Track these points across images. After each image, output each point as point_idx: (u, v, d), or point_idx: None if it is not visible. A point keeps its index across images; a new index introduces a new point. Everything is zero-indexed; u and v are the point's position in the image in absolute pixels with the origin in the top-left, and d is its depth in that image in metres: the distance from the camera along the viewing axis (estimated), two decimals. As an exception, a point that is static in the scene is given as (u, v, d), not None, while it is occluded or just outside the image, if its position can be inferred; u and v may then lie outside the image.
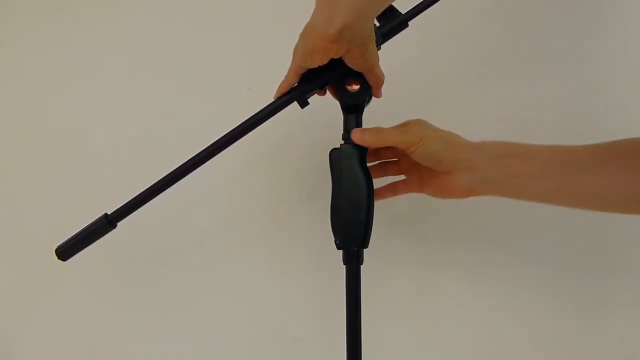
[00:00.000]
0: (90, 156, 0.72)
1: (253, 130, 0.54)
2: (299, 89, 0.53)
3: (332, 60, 0.49)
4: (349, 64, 0.50)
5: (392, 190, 0.57)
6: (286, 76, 0.53)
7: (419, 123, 0.52)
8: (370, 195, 0.52)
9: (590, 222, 0.64)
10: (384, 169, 0.57)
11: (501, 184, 0.50)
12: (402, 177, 0.57)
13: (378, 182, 0.55)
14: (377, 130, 0.52)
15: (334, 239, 0.52)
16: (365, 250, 0.52)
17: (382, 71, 0.52)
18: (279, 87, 0.53)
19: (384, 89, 0.54)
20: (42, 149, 0.73)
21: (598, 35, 0.67)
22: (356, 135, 0.52)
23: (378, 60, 0.51)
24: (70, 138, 0.73)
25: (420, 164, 0.51)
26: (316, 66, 0.49)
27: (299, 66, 0.50)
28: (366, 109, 0.54)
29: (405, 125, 0.52)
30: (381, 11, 0.51)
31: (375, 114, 0.55)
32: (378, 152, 0.57)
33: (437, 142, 0.50)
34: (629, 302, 0.63)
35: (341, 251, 0.52)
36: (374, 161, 0.57)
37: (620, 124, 0.65)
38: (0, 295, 0.71)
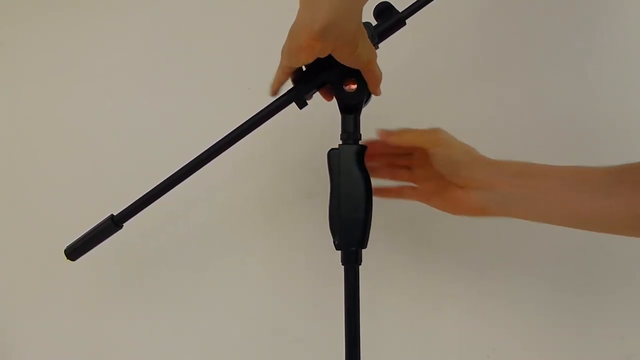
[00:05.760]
0: (94, 157, 0.73)
1: (252, 132, 0.54)
2: (297, 90, 0.52)
3: (329, 60, 0.48)
4: (341, 62, 0.48)
5: (399, 193, 0.57)
6: (275, 75, 0.52)
7: (442, 130, 0.52)
8: (369, 195, 0.52)
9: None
10: (394, 173, 0.57)
11: (512, 203, 0.49)
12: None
13: (382, 183, 0.55)
14: (402, 129, 0.52)
15: (332, 239, 0.52)
16: (363, 250, 0.52)
17: (379, 69, 0.51)
18: (272, 87, 0.53)
19: (382, 88, 0.53)
20: (47, 150, 0.74)
21: (598, 34, 0.67)
22: (382, 134, 0.52)
23: (375, 57, 0.50)
24: (75, 139, 0.73)
25: (439, 171, 0.51)
26: (302, 65, 0.49)
27: (286, 66, 0.50)
28: (364, 109, 0.54)
29: (430, 129, 0.52)
30: (364, 5, 0.48)
31: (374, 114, 0.55)
32: (393, 161, 0.57)
33: (459, 151, 0.50)
34: (629, 303, 0.63)
35: (340, 251, 0.52)
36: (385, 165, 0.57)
37: (620, 124, 0.65)
38: (4, 295, 0.71)
